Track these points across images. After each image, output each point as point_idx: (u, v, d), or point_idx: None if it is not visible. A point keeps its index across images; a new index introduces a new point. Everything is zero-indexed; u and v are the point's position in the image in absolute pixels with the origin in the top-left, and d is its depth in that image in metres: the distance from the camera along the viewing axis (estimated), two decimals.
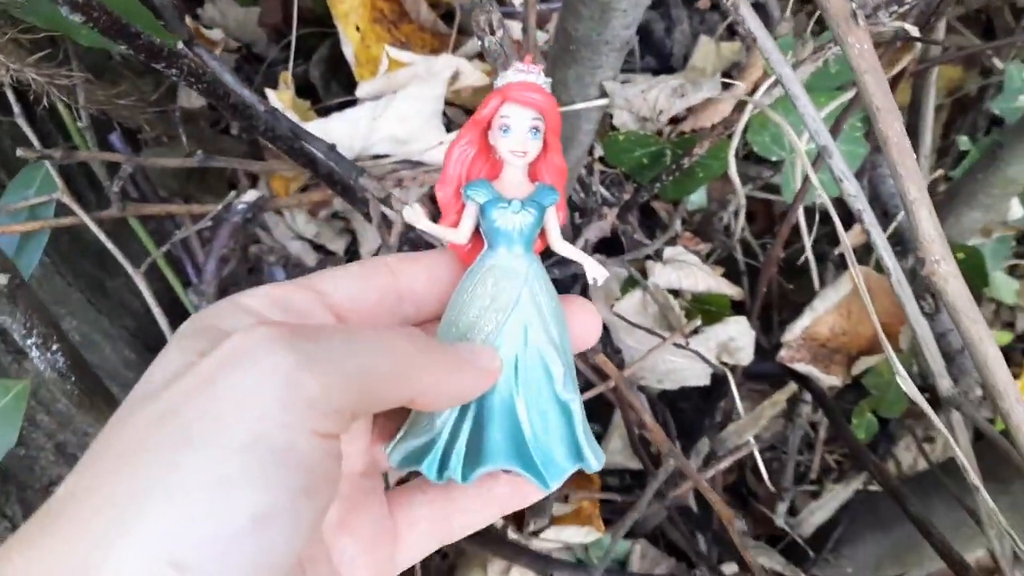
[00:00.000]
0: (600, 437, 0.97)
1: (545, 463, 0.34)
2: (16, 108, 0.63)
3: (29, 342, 0.45)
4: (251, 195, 0.65)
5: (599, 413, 0.98)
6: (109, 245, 0.62)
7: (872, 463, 0.67)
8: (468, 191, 0.36)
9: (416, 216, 0.37)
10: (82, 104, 0.63)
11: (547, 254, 0.39)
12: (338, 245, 0.83)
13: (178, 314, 0.72)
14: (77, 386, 0.49)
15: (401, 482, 0.40)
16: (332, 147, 0.64)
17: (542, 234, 0.37)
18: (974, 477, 0.52)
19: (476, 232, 0.37)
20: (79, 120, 0.63)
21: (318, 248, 0.83)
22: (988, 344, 0.40)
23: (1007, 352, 1.08)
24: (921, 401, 0.52)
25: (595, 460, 0.35)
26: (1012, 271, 1.10)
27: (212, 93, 0.54)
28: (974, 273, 0.75)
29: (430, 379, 0.30)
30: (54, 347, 0.46)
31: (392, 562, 0.36)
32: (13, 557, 0.23)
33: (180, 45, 0.64)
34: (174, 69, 0.50)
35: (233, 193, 0.65)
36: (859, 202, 0.54)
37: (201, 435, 0.24)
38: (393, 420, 0.35)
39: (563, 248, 0.38)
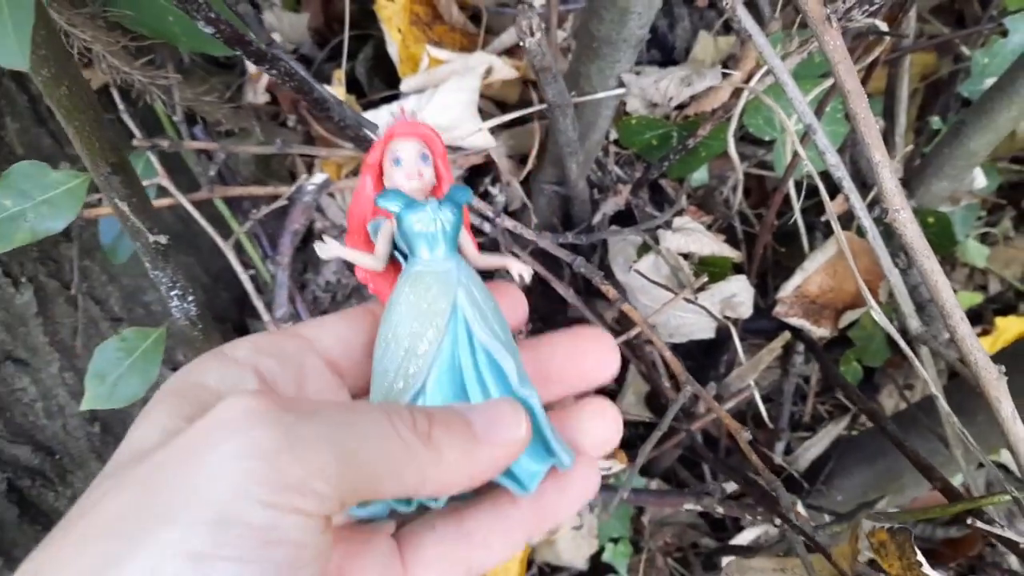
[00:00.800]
0: (615, 393, 1.08)
1: (517, 467, 0.32)
2: (121, 105, 0.73)
3: (172, 293, 0.56)
4: (320, 177, 0.76)
5: None
6: (203, 223, 0.72)
7: (858, 397, 0.78)
8: (381, 202, 0.35)
9: (329, 248, 0.36)
10: (177, 101, 0.73)
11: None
12: None
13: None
14: (202, 332, 0.60)
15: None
16: None
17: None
18: (940, 396, 0.63)
19: (392, 264, 0.37)
20: (175, 115, 0.73)
21: None
22: (938, 274, 0.51)
23: (979, 312, 1.19)
24: (893, 331, 0.62)
25: (566, 455, 0.33)
26: (984, 239, 1.21)
27: (300, 89, 0.65)
28: (942, 235, 0.86)
29: (435, 471, 0.28)
30: (189, 298, 0.57)
31: None
32: None
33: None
34: (274, 70, 0.61)
35: (305, 175, 0.76)
36: (839, 170, 0.65)
37: (176, 509, 0.23)
38: None
39: (481, 258, 0.38)
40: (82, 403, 0.59)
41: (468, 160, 0.86)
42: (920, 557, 0.47)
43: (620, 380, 1.07)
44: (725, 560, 0.88)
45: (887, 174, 0.52)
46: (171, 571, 0.22)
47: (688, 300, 0.80)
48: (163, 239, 0.51)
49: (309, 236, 0.92)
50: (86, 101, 0.42)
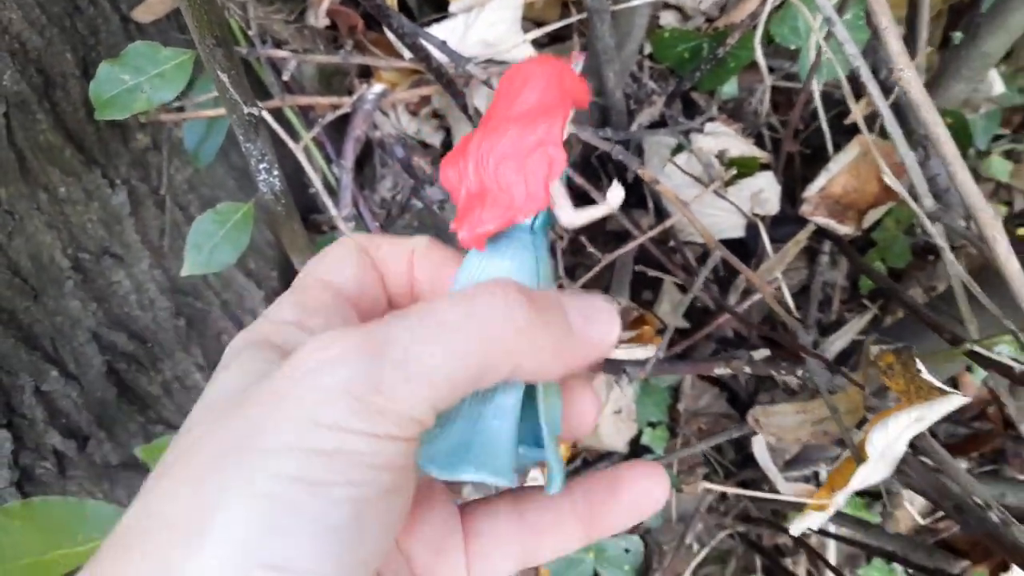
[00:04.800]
0: (651, 303, 1.15)
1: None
2: None
3: (260, 166, 0.63)
4: (378, 88, 0.83)
5: (651, 281, 1.15)
6: (276, 127, 0.80)
7: (884, 280, 0.84)
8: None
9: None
10: (252, 17, 0.81)
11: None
12: (435, 139, 1.02)
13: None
14: (284, 208, 0.68)
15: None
16: (444, 42, 0.82)
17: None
18: (954, 261, 0.69)
19: None
20: (250, 29, 0.81)
21: (418, 142, 1.02)
22: (940, 126, 0.57)
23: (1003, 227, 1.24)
24: (912, 202, 0.69)
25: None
26: (1008, 155, 1.26)
27: None
28: (960, 133, 0.92)
29: (529, 363, 0.27)
30: (275, 173, 0.65)
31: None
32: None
33: None
34: None
35: (365, 86, 0.84)
36: (858, 60, 0.71)
37: (279, 442, 0.24)
38: None
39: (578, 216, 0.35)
40: (183, 270, 0.67)
41: None
42: (920, 365, 0.54)
43: (656, 290, 1.14)
44: None
45: (893, 38, 0.58)
46: (286, 496, 0.23)
47: (718, 194, 0.87)
48: (256, 110, 0.58)
49: (367, 152, 1.00)
50: None
